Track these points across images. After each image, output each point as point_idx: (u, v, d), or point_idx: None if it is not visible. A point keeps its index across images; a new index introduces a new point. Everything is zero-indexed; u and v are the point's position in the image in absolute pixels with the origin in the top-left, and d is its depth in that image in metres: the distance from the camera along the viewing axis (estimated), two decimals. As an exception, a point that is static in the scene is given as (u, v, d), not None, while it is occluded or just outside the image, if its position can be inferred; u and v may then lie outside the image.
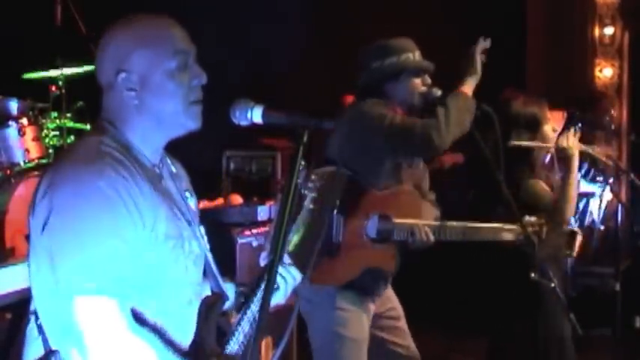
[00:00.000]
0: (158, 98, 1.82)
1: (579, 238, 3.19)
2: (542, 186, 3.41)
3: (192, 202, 2.02)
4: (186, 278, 1.90)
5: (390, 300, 3.28)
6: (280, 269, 2.02)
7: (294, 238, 2.09)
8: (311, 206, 2.05)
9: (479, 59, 2.99)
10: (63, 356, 1.74)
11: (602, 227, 5.05)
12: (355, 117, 3.05)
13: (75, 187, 1.70)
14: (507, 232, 3.11)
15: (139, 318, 1.76)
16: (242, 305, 2.01)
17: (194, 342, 1.88)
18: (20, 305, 3.10)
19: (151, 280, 1.79)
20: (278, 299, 2.05)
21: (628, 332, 4.58)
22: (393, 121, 2.95)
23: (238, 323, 1.96)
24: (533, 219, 3.15)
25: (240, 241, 4.30)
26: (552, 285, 2.92)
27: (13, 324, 3.09)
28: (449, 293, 5.28)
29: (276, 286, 2.02)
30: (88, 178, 1.70)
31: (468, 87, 2.99)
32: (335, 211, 2.19)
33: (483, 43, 3.00)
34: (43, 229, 1.72)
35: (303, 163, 1.69)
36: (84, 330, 1.67)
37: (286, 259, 2.06)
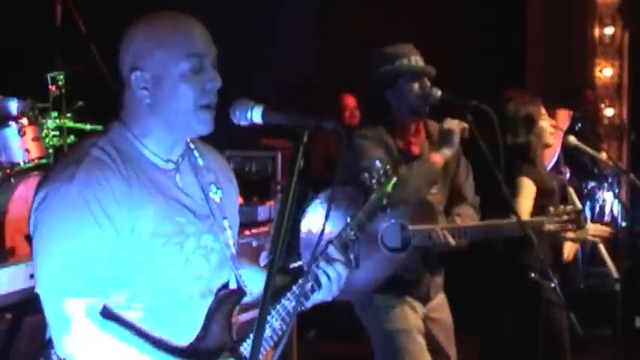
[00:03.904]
0: (169, 99, 1.83)
1: (571, 244, 3.16)
2: (527, 182, 3.44)
3: (217, 195, 2.02)
4: (189, 273, 1.88)
5: (440, 310, 3.26)
6: (323, 265, 2.01)
7: None
8: None
9: (457, 137, 2.96)
10: None
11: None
12: (347, 146, 3.04)
13: (47, 190, 1.76)
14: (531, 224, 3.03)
15: (113, 317, 1.78)
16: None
17: (197, 336, 1.88)
18: (20, 305, 3.10)
19: (133, 279, 1.79)
20: (323, 296, 2.03)
21: (628, 332, 4.58)
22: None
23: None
24: (568, 207, 3.14)
25: (240, 241, 4.28)
26: (552, 285, 2.91)
27: (13, 324, 3.09)
28: (451, 292, 5.28)
29: (312, 284, 2.00)
30: (59, 182, 1.75)
31: (440, 157, 2.97)
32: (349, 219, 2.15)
33: (462, 125, 2.95)
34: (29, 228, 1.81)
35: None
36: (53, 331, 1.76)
37: (334, 254, 2.05)
